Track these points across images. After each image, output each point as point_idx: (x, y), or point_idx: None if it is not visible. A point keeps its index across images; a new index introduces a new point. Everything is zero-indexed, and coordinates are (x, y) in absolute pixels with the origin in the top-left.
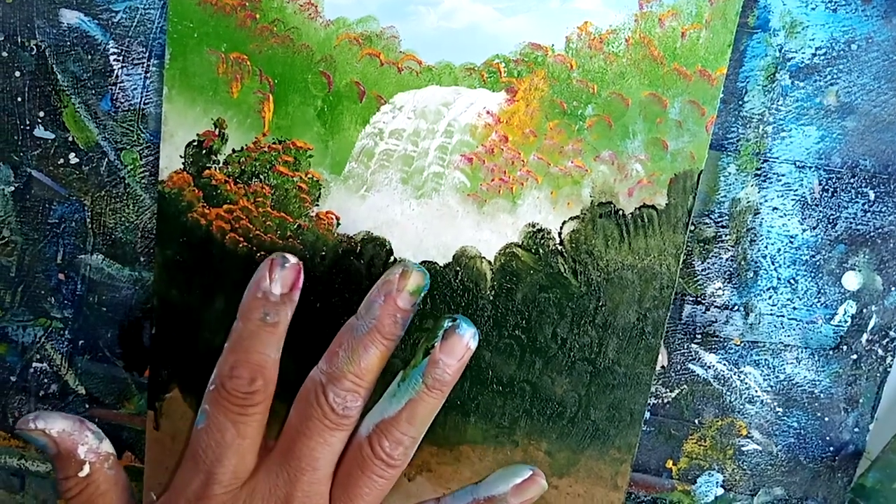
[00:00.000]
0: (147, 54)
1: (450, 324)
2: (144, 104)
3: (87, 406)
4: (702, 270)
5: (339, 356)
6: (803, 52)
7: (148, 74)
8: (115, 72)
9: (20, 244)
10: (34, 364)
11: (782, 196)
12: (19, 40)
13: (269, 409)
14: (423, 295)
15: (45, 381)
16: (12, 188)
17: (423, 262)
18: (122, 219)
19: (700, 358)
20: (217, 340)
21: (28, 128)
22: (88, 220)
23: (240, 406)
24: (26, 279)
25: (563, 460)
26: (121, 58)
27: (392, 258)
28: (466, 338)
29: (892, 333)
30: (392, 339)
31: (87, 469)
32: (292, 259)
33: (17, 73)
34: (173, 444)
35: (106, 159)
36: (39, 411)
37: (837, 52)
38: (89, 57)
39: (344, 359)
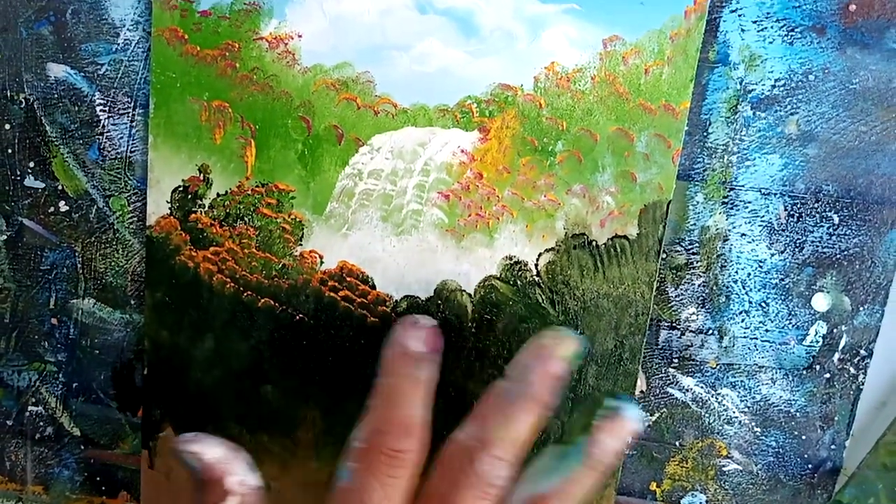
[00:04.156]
0: (132, 104)
1: (615, 404)
2: (131, 152)
3: (82, 447)
4: (675, 297)
5: (491, 422)
6: (763, 84)
7: (133, 123)
8: (102, 122)
9: (13, 291)
10: (30, 407)
11: (750, 222)
12: (8, 94)
13: (419, 471)
14: (578, 362)
15: (41, 423)
16: (4, 237)
17: (406, 297)
18: (112, 263)
19: (678, 381)
20: (207, 379)
21: (19, 178)
22: (79, 265)
23: (389, 466)
24: (20, 325)
25: None
26: (107, 108)
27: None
28: (632, 420)
29: (862, 352)
30: (546, 407)
31: (232, 500)
32: (430, 321)
33: (7, 126)
34: (168, 482)
35: (95, 206)
36: (197, 433)
37: (796, 83)
38: (76, 108)
39: (496, 425)
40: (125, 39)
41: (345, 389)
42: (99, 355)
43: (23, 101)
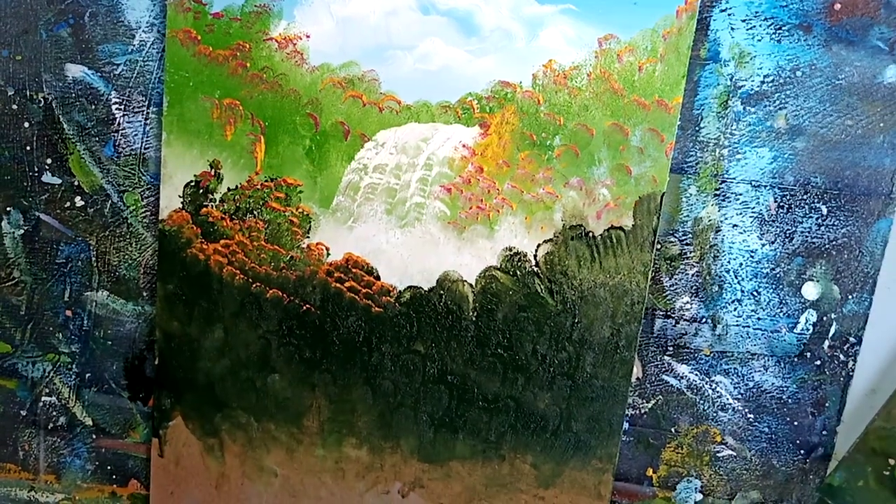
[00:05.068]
0: (146, 103)
1: None
2: (145, 149)
3: (93, 437)
4: (670, 286)
5: None
6: (752, 80)
7: (147, 121)
8: (117, 120)
9: (29, 284)
10: (43, 398)
11: (741, 214)
12: (28, 94)
13: None
14: None
15: (54, 414)
16: (22, 231)
17: (409, 287)
18: (126, 256)
19: (673, 369)
20: (217, 369)
21: (36, 174)
22: (94, 258)
23: None
24: (35, 317)
25: (548, 472)
26: (122, 107)
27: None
28: None
29: (851, 339)
30: None
31: None
32: None
33: (27, 124)
34: (177, 469)
35: (109, 201)
36: None
37: (784, 78)
38: (93, 107)
39: None
40: (140, 41)
41: (350, 378)
42: (112, 346)
43: (42, 100)
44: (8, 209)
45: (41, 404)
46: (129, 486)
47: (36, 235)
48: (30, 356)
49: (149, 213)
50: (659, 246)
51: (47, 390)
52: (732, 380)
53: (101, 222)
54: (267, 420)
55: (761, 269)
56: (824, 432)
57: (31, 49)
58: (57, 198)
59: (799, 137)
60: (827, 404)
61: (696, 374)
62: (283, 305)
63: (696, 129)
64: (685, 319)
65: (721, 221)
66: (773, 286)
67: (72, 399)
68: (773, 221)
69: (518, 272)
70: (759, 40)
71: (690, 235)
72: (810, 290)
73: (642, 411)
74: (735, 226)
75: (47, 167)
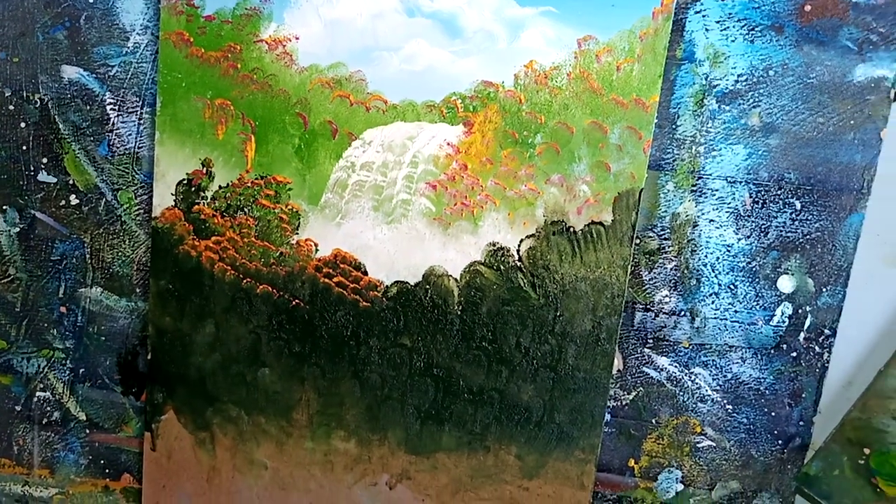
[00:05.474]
0: (140, 103)
1: None
2: (138, 148)
3: (87, 431)
4: (649, 280)
5: None
6: (727, 80)
7: (141, 121)
8: (112, 120)
9: (25, 281)
10: (38, 393)
11: (717, 209)
12: (25, 94)
13: None
14: None
15: (48, 409)
16: (18, 229)
17: (396, 282)
18: (119, 253)
19: (653, 361)
20: (208, 363)
21: (32, 173)
22: (88, 255)
23: None
24: (30, 313)
25: (532, 463)
26: (116, 107)
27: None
28: None
29: (826, 331)
30: None
31: None
32: None
33: (23, 124)
34: (169, 462)
35: (104, 199)
36: None
37: (757, 78)
38: (88, 107)
39: None
40: (135, 43)
41: (338, 372)
42: (105, 342)
43: (38, 101)
44: (4, 207)
45: (35, 399)
46: (121, 479)
47: (31, 233)
48: (24, 352)
49: (142, 210)
50: (638, 241)
51: (41, 385)
52: (711, 371)
53: (96, 220)
54: (257, 414)
55: (738, 262)
56: (801, 423)
57: (28, 51)
58: (52, 196)
59: (772, 135)
60: (803, 395)
61: (676, 366)
62: (272, 301)
63: (673, 126)
64: (664, 312)
65: (698, 216)
66: (750, 280)
67: (66, 394)
68: (749, 216)
69: (501, 267)
70: (733, 41)
71: (668, 230)
72: (785, 284)
73: (624, 403)
74: (712, 221)
75: (43, 166)
